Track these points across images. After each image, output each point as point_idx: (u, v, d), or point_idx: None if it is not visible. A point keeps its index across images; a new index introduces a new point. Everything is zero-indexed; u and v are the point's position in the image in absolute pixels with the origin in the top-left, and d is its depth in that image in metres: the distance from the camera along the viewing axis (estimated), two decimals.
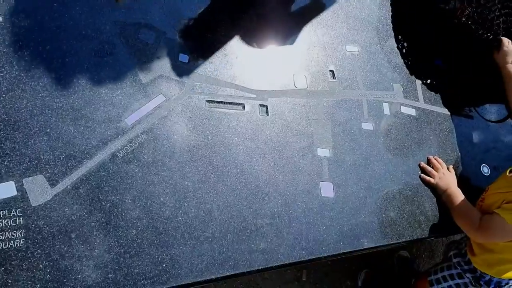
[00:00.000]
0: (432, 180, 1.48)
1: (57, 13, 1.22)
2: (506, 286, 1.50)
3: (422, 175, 1.49)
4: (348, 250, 1.28)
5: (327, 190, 1.32)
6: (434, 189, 1.48)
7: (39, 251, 1.00)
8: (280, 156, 1.32)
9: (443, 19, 1.61)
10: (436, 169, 1.49)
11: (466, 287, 1.59)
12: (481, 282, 1.52)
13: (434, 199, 1.47)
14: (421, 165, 1.51)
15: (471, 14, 1.55)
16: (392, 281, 2.23)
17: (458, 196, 1.43)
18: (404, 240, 1.37)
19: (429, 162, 1.52)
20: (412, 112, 1.57)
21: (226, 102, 1.33)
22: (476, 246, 1.52)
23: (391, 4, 1.73)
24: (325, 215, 1.29)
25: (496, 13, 1.56)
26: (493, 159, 1.66)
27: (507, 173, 1.45)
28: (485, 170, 1.63)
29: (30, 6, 1.19)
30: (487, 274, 1.49)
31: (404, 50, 1.67)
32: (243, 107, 1.34)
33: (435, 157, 1.53)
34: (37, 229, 1.01)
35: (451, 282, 1.64)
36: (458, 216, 1.41)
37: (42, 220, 1.03)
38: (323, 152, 1.38)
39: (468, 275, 1.57)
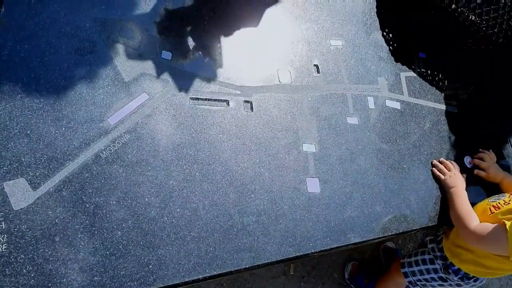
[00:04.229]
0: (442, 176, 1.52)
1: (35, 10, 1.19)
2: (473, 278, 1.51)
3: (434, 169, 1.54)
4: (335, 246, 1.28)
5: (313, 186, 1.32)
6: (441, 186, 1.52)
7: (22, 255, 0.98)
8: (266, 152, 1.31)
9: (428, 9, 1.62)
10: (448, 169, 1.53)
11: (435, 272, 1.61)
12: (450, 271, 1.54)
13: (420, 193, 1.47)
14: (434, 162, 1.56)
15: (454, 1, 1.55)
16: (379, 272, 2.25)
17: (463, 196, 1.46)
18: (390, 234, 1.37)
19: (441, 161, 1.57)
20: (397, 105, 1.57)
21: (210, 99, 1.32)
22: (457, 237, 1.53)
23: None
24: (312, 211, 1.29)
25: (478, 1, 1.57)
26: (476, 151, 1.67)
27: None
28: (468, 160, 1.64)
29: (6, 4, 1.16)
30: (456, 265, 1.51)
31: (388, 43, 1.66)
32: (228, 104, 1.33)
33: (450, 160, 1.58)
34: (20, 233, 1.00)
35: (422, 267, 1.67)
36: (457, 215, 1.42)
37: (24, 224, 1.01)
38: (309, 147, 1.37)
39: (439, 261, 1.59)
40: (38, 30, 1.17)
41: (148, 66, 1.27)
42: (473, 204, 1.45)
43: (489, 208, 1.40)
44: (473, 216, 1.39)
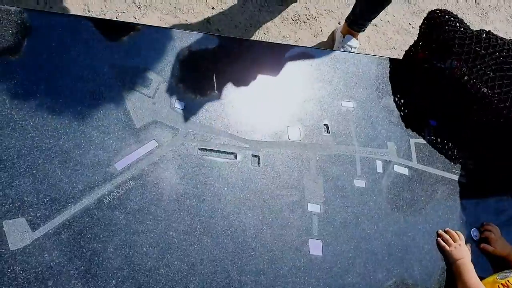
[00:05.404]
0: (447, 247, 1.48)
1: (55, 52, 1.22)
2: None
3: (439, 239, 1.50)
4: None
5: (315, 248, 1.29)
6: (446, 257, 1.47)
7: None
8: (270, 209, 1.30)
9: (441, 79, 1.63)
10: (454, 240, 1.50)
11: None
12: None
13: (423, 262, 1.44)
14: (439, 232, 1.52)
15: (467, 72, 1.57)
16: None
17: (470, 268, 1.42)
18: None
19: (446, 231, 1.53)
20: (405, 171, 1.56)
21: (219, 151, 1.32)
22: None
23: (389, 63, 1.75)
24: (312, 274, 1.25)
25: (491, 75, 1.58)
26: (483, 223, 1.64)
27: None
28: (475, 233, 1.61)
29: (27, 44, 1.19)
30: None
31: (399, 108, 1.67)
32: (235, 157, 1.33)
33: (455, 230, 1.54)
34: (13, 275, 0.98)
35: None
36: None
37: (19, 265, 0.99)
38: (314, 207, 1.36)
39: None
40: (56, 72, 1.20)
41: (160, 114, 1.28)
42: (479, 278, 1.41)
43: (498, 286, 1.37)
44: None
